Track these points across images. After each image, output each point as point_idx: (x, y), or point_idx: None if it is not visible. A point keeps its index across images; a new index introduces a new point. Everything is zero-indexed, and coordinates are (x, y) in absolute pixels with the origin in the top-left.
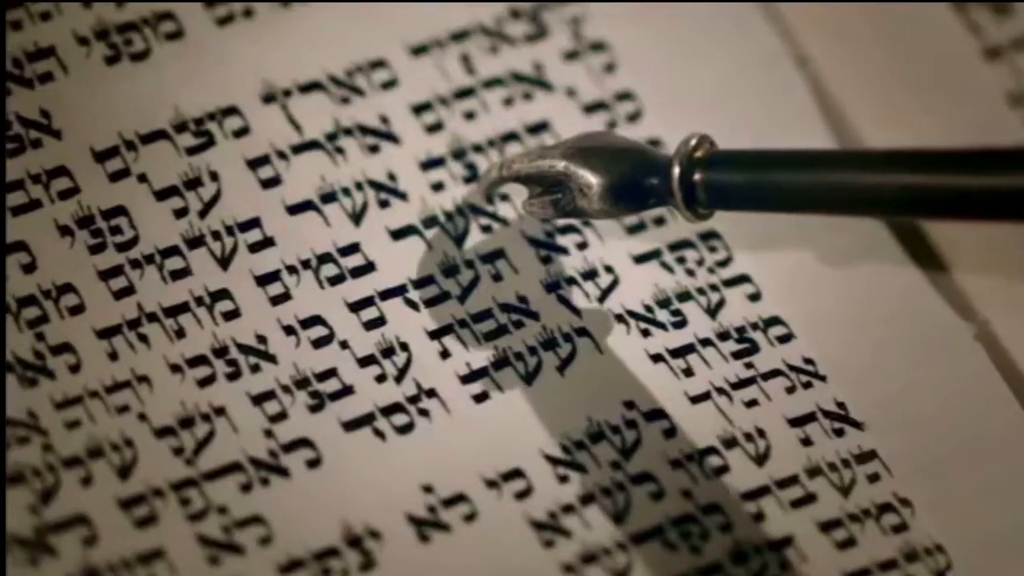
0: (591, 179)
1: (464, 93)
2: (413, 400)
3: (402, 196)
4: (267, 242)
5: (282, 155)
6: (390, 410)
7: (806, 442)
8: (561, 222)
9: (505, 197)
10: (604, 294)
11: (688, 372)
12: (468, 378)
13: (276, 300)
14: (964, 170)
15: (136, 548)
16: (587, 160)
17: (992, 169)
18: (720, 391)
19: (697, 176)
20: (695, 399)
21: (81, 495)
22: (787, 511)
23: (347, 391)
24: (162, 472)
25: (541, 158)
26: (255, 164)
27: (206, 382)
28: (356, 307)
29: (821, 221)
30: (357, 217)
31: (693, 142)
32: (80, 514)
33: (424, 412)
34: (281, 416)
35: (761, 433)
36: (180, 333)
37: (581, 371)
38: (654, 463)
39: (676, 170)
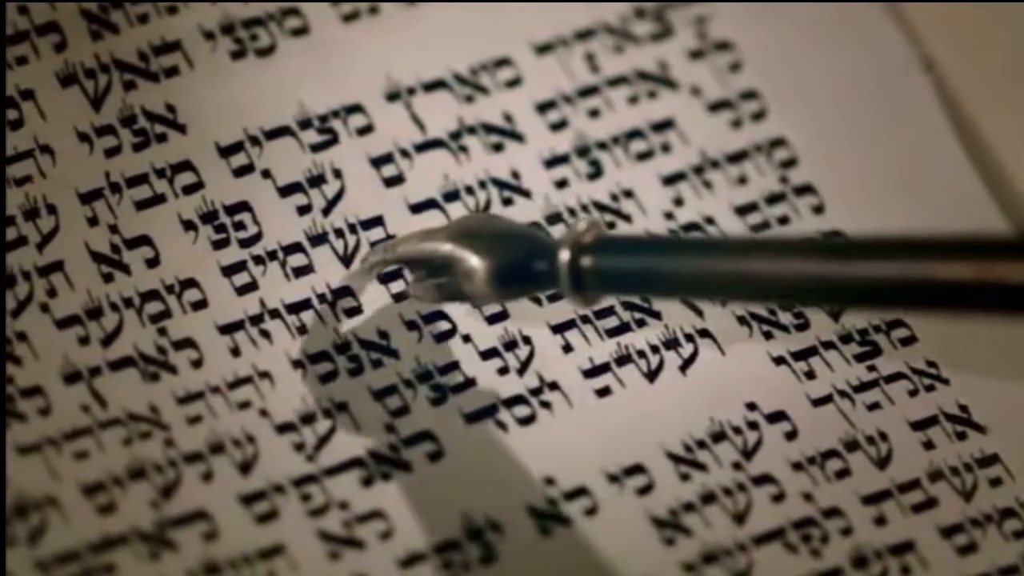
0: (476, 263)
1: (588, 91)
2: (535, 392)
3: (526, 194)
4: (390, 240)
5: (405, 153)
6: (512, 402)
7: (928, 446)
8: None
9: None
10: None
11: (810, 375)
12: (590, 373)
13: (398, 296)
14: (859, 258)
15: (257, 544)
16: (472, 243)
17: (884, 258)
18: (842, 394)
19: (586, 261)
20: (817, 402)
21: (202, 490)
22: (908, 515)
23: (469, 384)
24: (283, 468)
25: (426, 241)
26: (379, 162)
27: (328, 378)
28: None
29: (941, 219)
30: None
31: (581, 226)
32: (201, 509)
33: (546, 404)
34: (403, 411)
35: (883, 436)
36: (302, 329)
37: (703, 371)
38: (775, 465)
39: (564, 255)
